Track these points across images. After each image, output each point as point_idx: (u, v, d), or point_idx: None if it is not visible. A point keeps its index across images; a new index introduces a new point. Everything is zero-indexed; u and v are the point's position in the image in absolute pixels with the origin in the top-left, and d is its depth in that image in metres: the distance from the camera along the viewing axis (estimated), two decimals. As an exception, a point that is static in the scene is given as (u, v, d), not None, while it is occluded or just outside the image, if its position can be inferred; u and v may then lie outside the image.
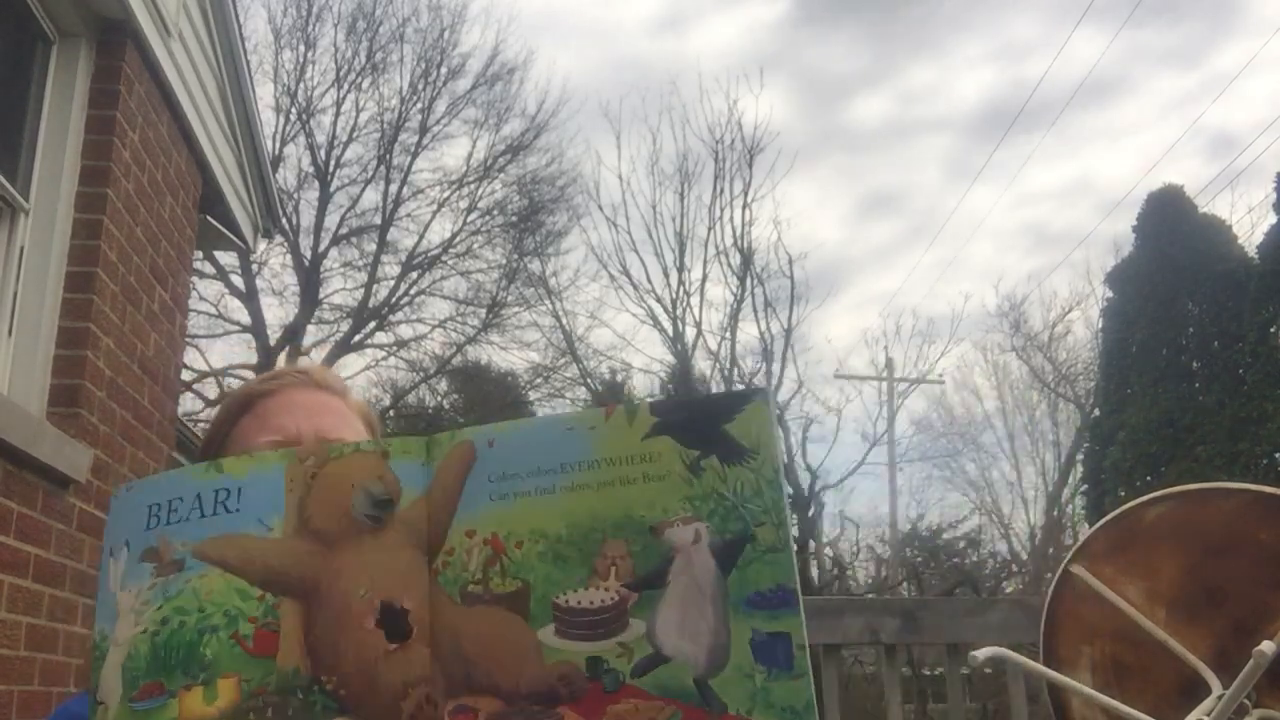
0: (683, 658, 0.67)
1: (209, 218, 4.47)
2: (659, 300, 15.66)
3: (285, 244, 19.87)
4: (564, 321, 17.44)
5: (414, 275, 21.04)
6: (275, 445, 1.01)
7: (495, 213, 21.49)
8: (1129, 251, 13.61)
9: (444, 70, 20.78)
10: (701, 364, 15.82)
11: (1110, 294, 13.84)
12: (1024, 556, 19.27)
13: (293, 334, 20.16)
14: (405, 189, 20.73)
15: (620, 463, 0.70)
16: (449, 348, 21.46)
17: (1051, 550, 16.74)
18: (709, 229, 15.45)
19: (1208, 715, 1.86)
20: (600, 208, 17.40)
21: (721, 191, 15.48)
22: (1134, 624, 2.07)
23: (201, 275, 18.18)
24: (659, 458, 0.70)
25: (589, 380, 18.09)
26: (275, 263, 20.30)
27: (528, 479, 0.70)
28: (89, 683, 0.72)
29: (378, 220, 20.65)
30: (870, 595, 15.63)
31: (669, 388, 18.03)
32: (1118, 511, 2.14)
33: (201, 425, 18.91)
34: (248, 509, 0.72)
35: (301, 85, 19.93)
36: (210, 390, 20.24)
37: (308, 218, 20.39)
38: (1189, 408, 12.04)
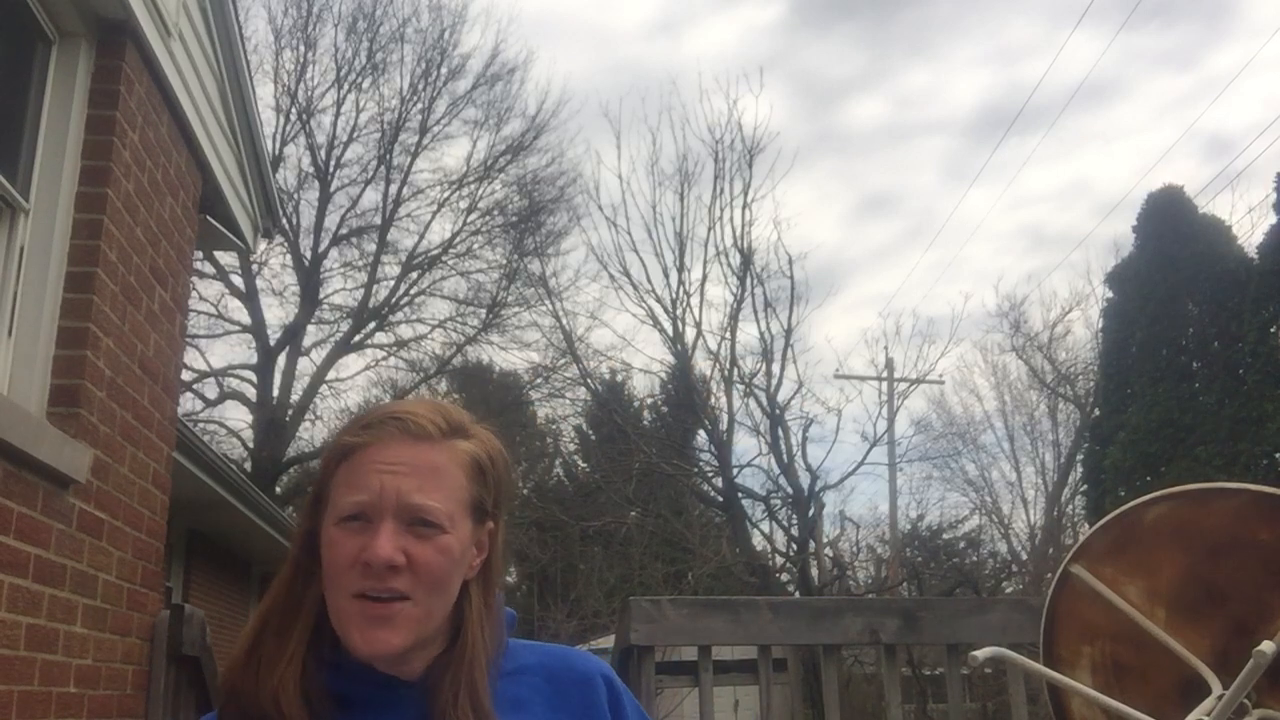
0: None
1: (209, 218, 4.46)
2: (659, 300, 15.62)
3: (285, 244, 19.89)
4: (564, 321, 17.42)
5: (414, 275, 21.06)
6: (358, 506, 1.03)
7: (495, 213, 21.52)
8: (1129, 252, 13.61)
9: (444, 70, 20.81)
10: (701, 364, 15.80)
11: (1110, 294, 13.83)
12: (1024, 556, 19.25)
13: (293, 334, 20.15)
14: (405, 189, 20.76)
15: None
16: (449, 348, 21.49)
17: (1051, 550, 16.73)
18: (709, 229, 15.41)
19: (1208, 715, 1.86)
20: (600, 208, 17.37)
21: (721, 192, 15.45)
22: (1134, 624, 2.07)
23: (201, 275, 18.19)
24: None
25: (589, 380, 18.09)
26: (275, 263, 20.34)
27: None
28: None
29: (378, 220, 20.67)
30: (870, 595, 15.62)
31: (669, 387, 18.02)
32: (1118, 511, 2.14)
33: (201, 425, 18.86)
34: None
35: (301, 85, 19.96)
36: (210, 390, 20.27)
37: (308, 218, 20.42)
38: (1189, 408, 12.04)
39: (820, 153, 37.23)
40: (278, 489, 19.57)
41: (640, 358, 25.54)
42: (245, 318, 20.22)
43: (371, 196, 20.85)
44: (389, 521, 1.03)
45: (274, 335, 20.27)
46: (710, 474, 15.84)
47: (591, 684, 1.15)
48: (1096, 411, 14.32)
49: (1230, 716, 1.84)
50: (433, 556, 1.04)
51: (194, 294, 15.67)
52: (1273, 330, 11.30)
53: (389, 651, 1.02)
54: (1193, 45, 37.34)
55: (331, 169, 20.40)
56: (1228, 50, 38.19)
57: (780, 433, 14.55)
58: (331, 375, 20.88)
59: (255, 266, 19.44)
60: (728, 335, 15.17)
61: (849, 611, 3.00)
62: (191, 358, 19.00)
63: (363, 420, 1.10)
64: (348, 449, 1.07)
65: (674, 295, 15.39)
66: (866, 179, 39.19)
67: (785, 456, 14.51)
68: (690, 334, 15.43)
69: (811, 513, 14.58)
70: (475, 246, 21.30)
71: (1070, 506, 19.10)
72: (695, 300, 15.52)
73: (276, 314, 23.43)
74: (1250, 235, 14.42)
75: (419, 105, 20.62)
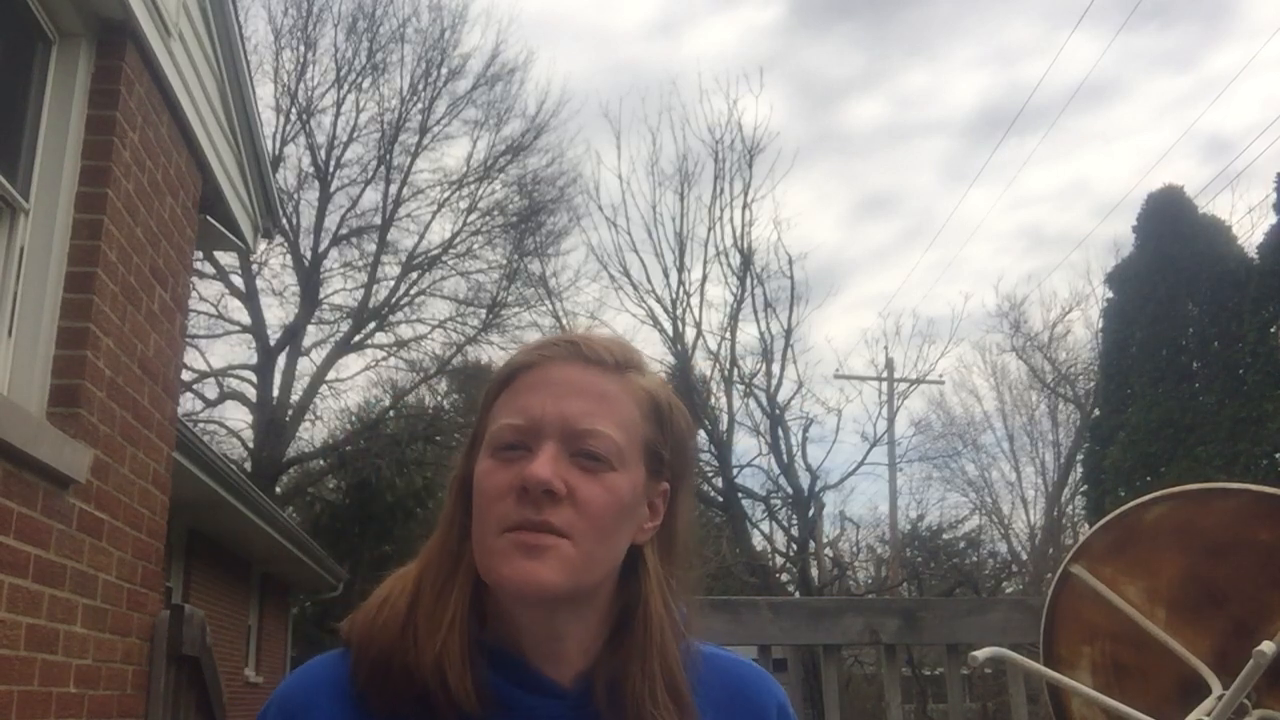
0: None
1: (209, 218, 4.46)
2: (659, 300, 15.65)
3: (285, 244, 19.88)
4: (564, 322, 17.44)
5: (414, 275, 21.06)
6: (517, 432, 0.90)
7: (495, 213, 21.51)
8: (1129, 252, 13.63)
9: (444, 71, 20.81)
10: (701, 364, 15.81)
11: (1110, 294, 13.84)
12: (1024, 556, 19.27)
13: (293, 334, 20.15)
14: (405, 189, 20.75)
15: None
16: (449, 348, 21.47)
17: (1051, 550, 16.74)
18: (709, 229, 15.43)
19: (1208, 715, 1.86)
20: (600, 208, 17.42)
21: (721, 192, 15.47)
22: (1134, 624, 2.07)
23: (201, 275, 18.18)
24: None
25: (589, 380, 18.06)
26: (275, 263, 20.34)
27: None
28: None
29: (378, 220, 20.66)
30: (870, 595, 15.63)
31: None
32: (1118, 511, 2.14)
33: (201, 425, 18.85)
34: None
35: (301, 85, 19.96)
36: (210, 390, 20.27)
37: (308, 218, 20.42)
38: (1189, 408, 12.04)
39: (820, 153, 37.27)
40: (278, 489, 19.57)
41: (640, 358, 25.52)
42: (245, 318, 20.24)
43: (371, 196, 20.87)
44: (551, 444, 0.89)
45: (274, 335, 20.28)
46: (710, 474, 15.85)
47: (767, 715, 1.01)
48: (1096, 411, 14.32)
49: (1230, 716, 1.85)
50: (599, 493, 0.89)
51: (194, 294, 15.67)
52: (1273, 330, 11.30)
53: (540, 586, 0.86)
54: (1192, 46, 37.40)
55: (331, 169, 20.41)
56: (1227, 51, 38.23)
57: (780, 433, 14.57)
58: (331, 375, 20.90)
59: (255, 266, 19.45)
60: (728, 335, 15.20)
61: (849, 611, 3.00)
62: (191, 358, 19.01)
63: (532, 344, 0.99)
64: (512, 371, 0.95)
65: (674, 295, 15.42)
66: (866, 179, 39.23)
67: (785, 456, 14.53)
68: (690, 334, 15.46)
69: (811, 513, 14.60)
70: (475, 246, 21.31)
71: (1070, 506, 19.12)
72: (695, 300, 15.55)
73: (276, 314, 23.48)
74: (1250, 235, 14.46)
75: (419, 105, 20.64)
